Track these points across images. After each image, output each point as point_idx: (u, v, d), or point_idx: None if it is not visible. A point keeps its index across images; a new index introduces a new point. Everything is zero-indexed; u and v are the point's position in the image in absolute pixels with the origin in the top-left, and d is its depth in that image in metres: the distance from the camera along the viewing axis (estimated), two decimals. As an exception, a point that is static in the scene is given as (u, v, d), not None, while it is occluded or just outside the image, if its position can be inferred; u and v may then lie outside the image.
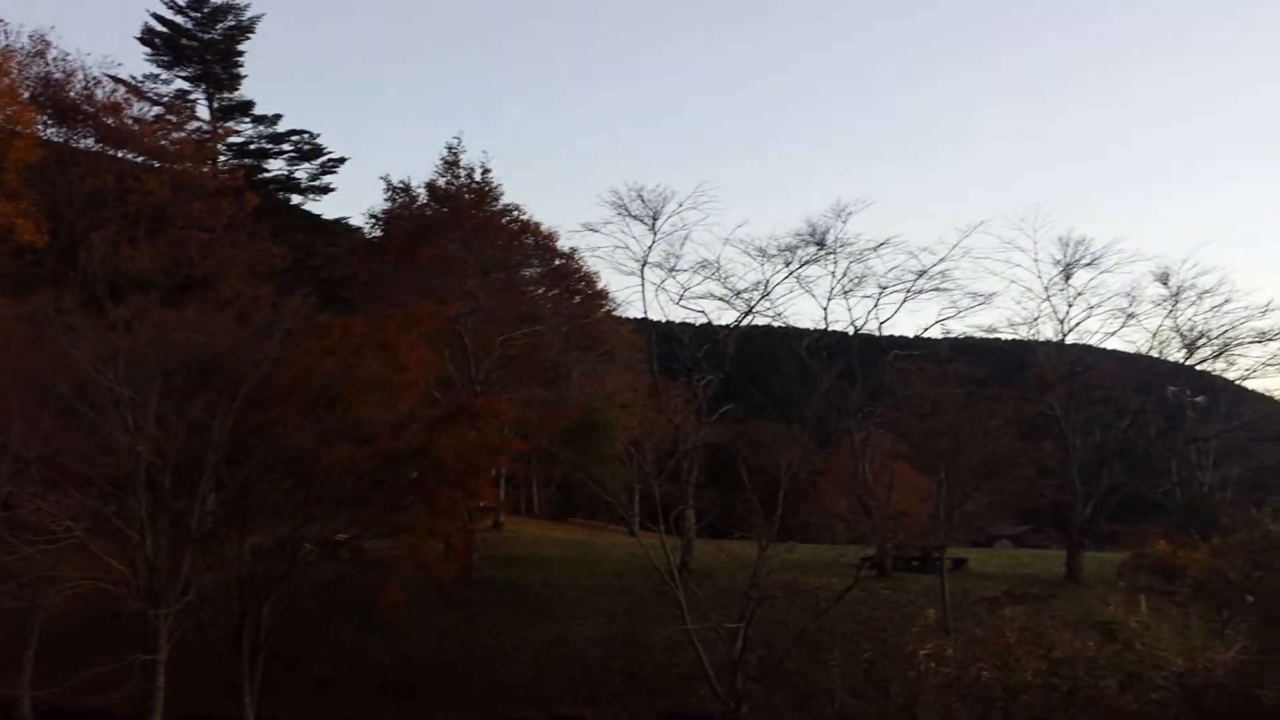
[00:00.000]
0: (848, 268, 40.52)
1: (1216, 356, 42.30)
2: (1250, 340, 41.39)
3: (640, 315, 43.12)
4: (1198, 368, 44.50)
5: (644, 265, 39.73)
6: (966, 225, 39.68)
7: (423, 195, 43.18)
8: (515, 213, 43.97)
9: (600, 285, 50.81)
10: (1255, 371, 42.82)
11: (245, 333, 28.13)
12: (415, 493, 26.53)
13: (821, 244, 39.82)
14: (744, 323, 42.21)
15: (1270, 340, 41.32)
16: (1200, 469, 49.21)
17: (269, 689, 24.59)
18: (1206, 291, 40.49)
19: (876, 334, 42.18)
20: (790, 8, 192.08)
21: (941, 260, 39.67)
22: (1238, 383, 46.91)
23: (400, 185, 43.72)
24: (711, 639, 23.13)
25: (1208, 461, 49.18)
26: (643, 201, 38.97)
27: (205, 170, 45.83)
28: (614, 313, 50.08)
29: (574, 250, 47.40)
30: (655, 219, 39.06)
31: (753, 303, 41.08)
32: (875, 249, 40.11)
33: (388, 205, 44.02)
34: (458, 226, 40.01)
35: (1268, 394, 48.82)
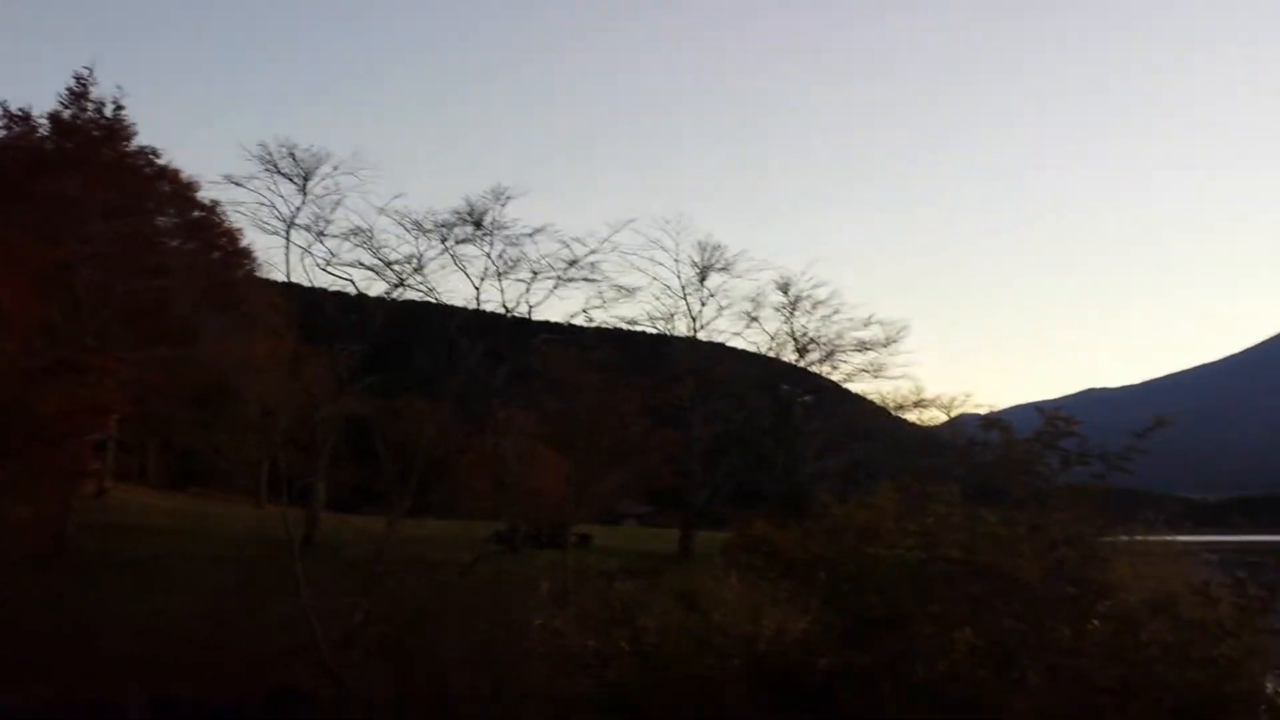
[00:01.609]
0: (503, 250, 40.86)
1: (824, 360, 47.19)
2: (852, 348, 46.58)
3: (285, 279, 41.01)
4: (808, 369, 49.27)
5: (290, 226, 37.83)
6: (617, 221, 41.16)
7: (45, 126, 38.71)
8: (151, 156, 40.40)
9: (243, 244, 47.82)
10: (855, 376, 48.23)
11: None
12: (5, 451, 23.80)
13: (478, 224, 39.80)
14: (394, 295, 41.40)
15: (868, 349, 46.71)
16: (803, 460, 54.36)
17: None
18: (819, 302, 45.04)
19: (527, 317, 42.92)
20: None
21: (592, 252, 40.97)
22: (840, 384, 52.41)
23: (19, 114, 38.92)
24: (331, 615, 22.56)
25: (810, 454, 54.43)
26: (294, 160, 37.06)
27: None
28: (256, 274, 47.37)
29: (216, 204, 44.15)
30: (306, 179, 37.27)
31: (404, 276, 40.39)
32: (531, 235, 40.74)
33: (3, 134, 39.07)
34: (82, 163, 36.18)
35: (864, 396, 54.82)
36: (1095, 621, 6.36)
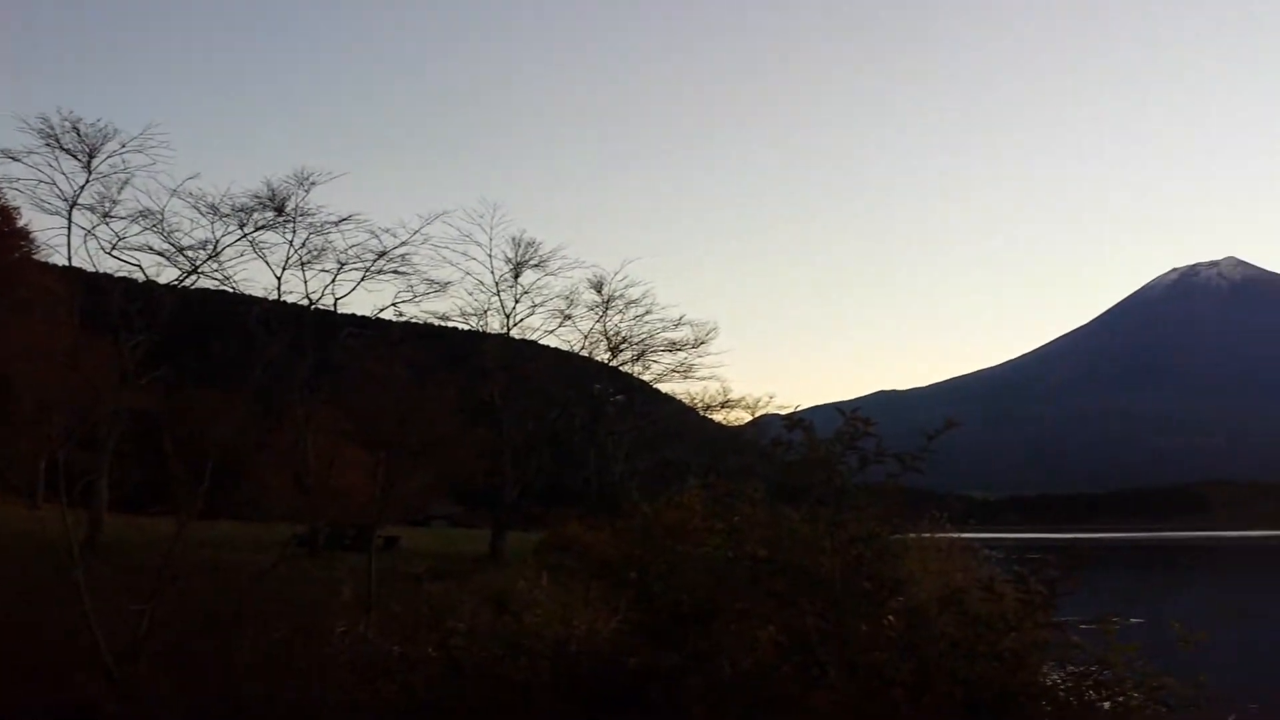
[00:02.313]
0: (307, 239, 39.33)
1: (635, 360, 47.74)
2: (663, 348, 47.32)
3: (66, 263, 38.14)
4: (620, 369, 49.76)
5: (73, 206, 35.19)
6: (429, 213, 40.27)
7: None
8: (-92, 123, 36.87)
9: (21, 224, 44.32)
10: (665, 376, 49.06)
11: None
12: None
13: (280, 210, 38.13)
14: (187, 283, 39.16)
15: (679, 350, 47.56)
16: (615, 460, 54.94)
17: None
18: (632, 302, 45.48)
19: (332, 310, 41.51)
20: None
21: (402, 244, 40.01)
22: (652, 384, 53.21)
23: None
24: (115, 621, 21.11)
25: (621, 454, 55.06)
26: (78, 134, 34.48)
27: None
28: (35, 256, 43.95)
29: (-11, 180, 40.63)
30: (91, 156, 34.75)
31: (198, 263, 38.26)
32: (337, 224, 39.38)
33: None
34: None
35: (675, 396, 55.88)
36: (891, 617, 6.62)
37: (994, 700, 6.17)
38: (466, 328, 45.46)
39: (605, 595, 12.45)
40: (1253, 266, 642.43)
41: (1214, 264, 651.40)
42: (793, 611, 7.04)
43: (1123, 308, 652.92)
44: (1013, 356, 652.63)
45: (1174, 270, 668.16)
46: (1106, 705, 6.25)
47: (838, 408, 7.38)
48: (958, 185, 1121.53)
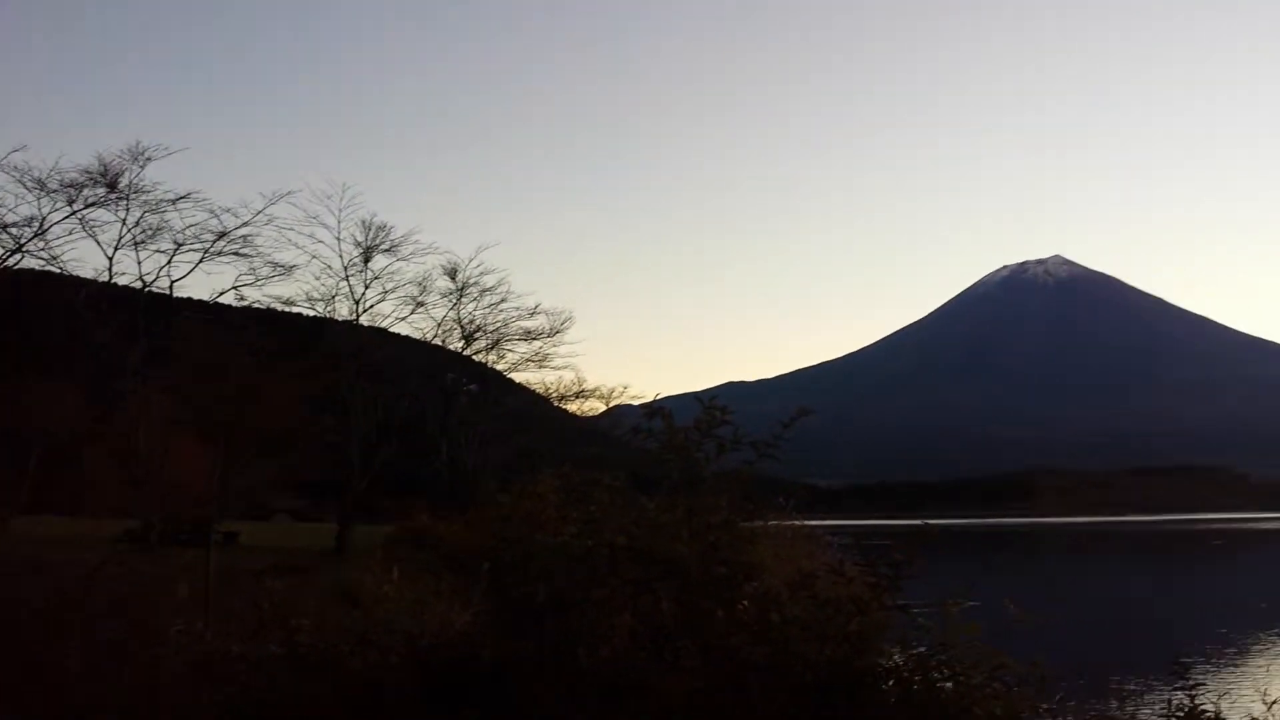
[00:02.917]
0: (141, 217, 37.40)
1: (490, 349, 47.31)
2: (518, 337, 47.01)
3: None
4: (474, 358, 49.20)
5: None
6: (274, 193, 38.81)
7: None
8: None
9: None
10: (520, 365, 48.76)
11: None
12: None
13: (113, 186, 36.19)
14: (10, 262, 36.76)
15: (534, 339, 47.36)
16: (468, 451, 54.31)
17: None
18: (487, 290, 45.01)
19: (168, 293, 39.59)
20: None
21: (244, 225, 38.48)
22: (506, 374, 52.80)
23: None
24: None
25: (475, 444, 54.47)
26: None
27: None
28: None
29: None
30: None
31: (22, 240, 35.98)
32: (174, 202, 37.57)
33: None
34: None
35: (529, 386, 55.59)
36: (744, 602, 6.72)
37: (842, 681, 6.33)
38: (313, 313, 44.15)
39: (458, 588, 12.23)
40: (1077, 265, 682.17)
41: (1042, 262, 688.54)
42: (649, 598, 7.07)
43: (957, 302, 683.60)
44: (854, 349, 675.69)
45: (1005, 267, 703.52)
46: (949, 685, 6.49)
47: (696, 396, 7.44)
48: (801, 182, 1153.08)
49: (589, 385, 52.94)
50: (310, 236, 42.30)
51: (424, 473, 51.68)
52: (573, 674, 6.90)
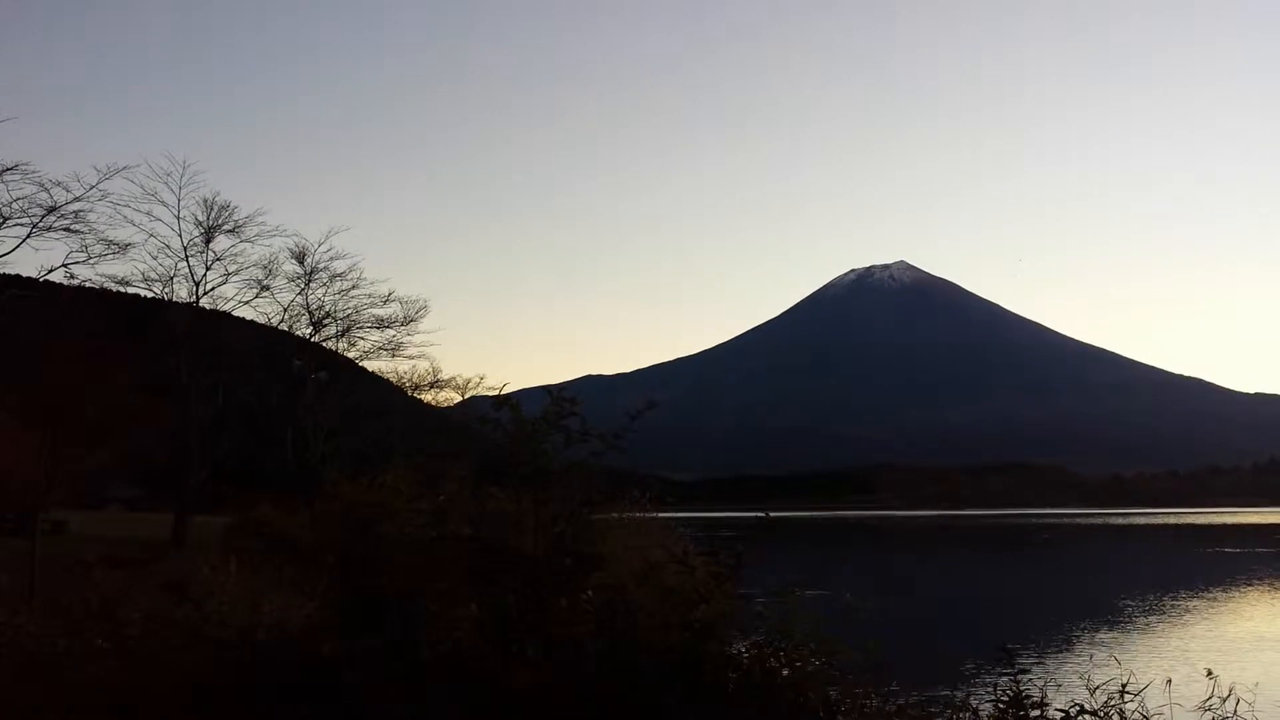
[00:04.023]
0: (-40, 189, 34.94)
1: (340, 336, 46.04)
2: (370, 325, 45.93)
3: None
4: (323, 344, 47.86)
5: None
6: (109, 167, 36.86)
7: None
8: None
9: None
10: (372, 353, 47.64)
11: None
12: None
13: (-72, 155, 33.75)
14: None
15: (387, 327, 46.35)
16: (315, 440, 52.81)
17: None
18: (337, 275, 43.82)
19: (-9, 270, 37.18)
20: None
21: (76, 199, 36.39)
22: (358, 362, 51.53)
23: None
24: None
25: (322, 433, 53.01)
26: None
27: None
28: None
29: None
30: None
31: None
32: (0, 174, 35.27)
33: None
34: None
35: (383, 375, 54.39)
36: (589, 592, 6.79)
37: (684, 670, 6.46)
38: (150, 294, 42.18)
39: (300, 580, 11.97)
40: (920, 270, 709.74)
41: (887, 267, 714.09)
42: (495, 590, 7.07)
43: (808, 303, 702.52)
44: (710, 345, 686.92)
45: (852, 271, 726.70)
46: (786, 672, 6.70)
47: (546, 389, 7.46)
48: (660, 181, 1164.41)
49: (444, 375, 52.18)
50: (148, 214, 40.39)
51: (269, 463, 50.01)
52: (414, 667, 6.84)
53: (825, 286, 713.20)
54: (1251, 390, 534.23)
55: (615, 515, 14.09)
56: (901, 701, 7.79)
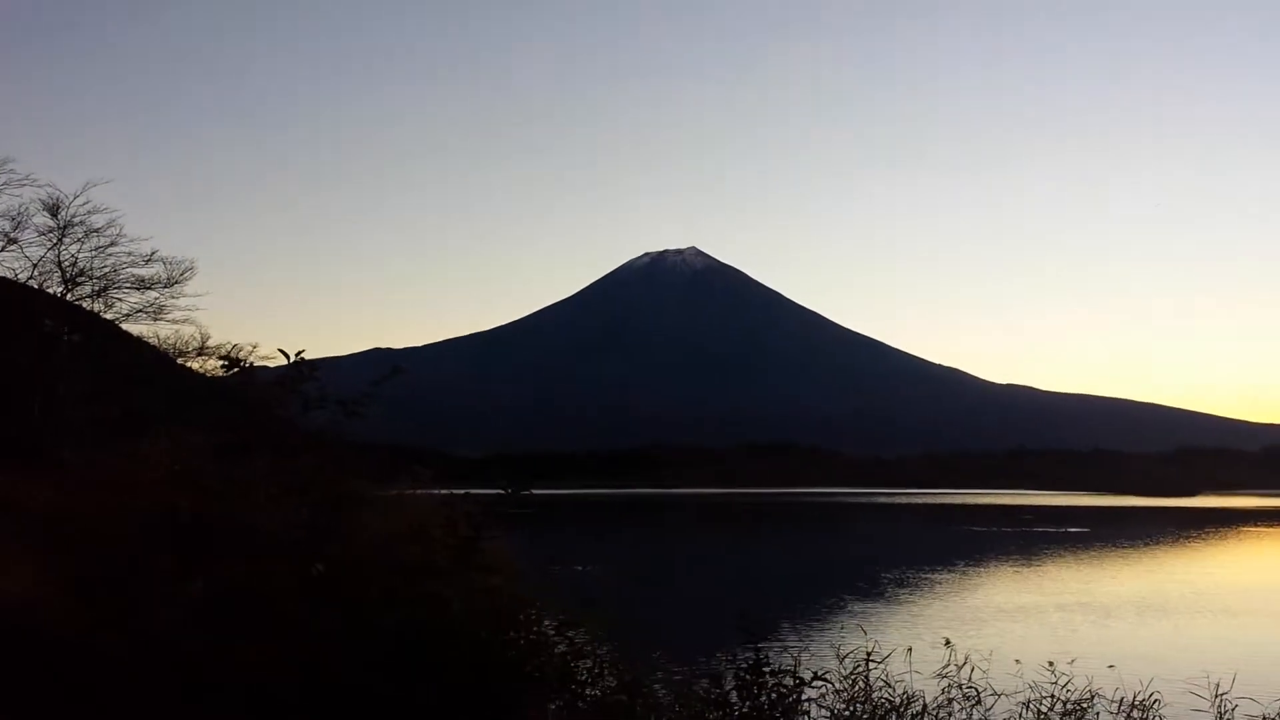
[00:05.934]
0: None
1: (96, 296, 42.80)
2: (130, 285, 42.93)
3: None
4: (78, 304, 44.47)
5: None
6: None
7: None
8: None
9: None
10: (133, 316, 44.57)
11: None
12: None
13: None
14: None
15: (149, 288, 43.42)
16: (67, 406, 49.05)
17: None
18: (95, 231, 40.69)
19: None
20: None
21: None
22: (117, 324, 48.13)
23: None
24: None
25: (76, 399, 49.29)
26: None
27: None
28: None
29: None
30: None
31: None
32: None
33: None
34: None
35: (143, 339, 50.97)
36: (320, 566, 6.62)
37: (420, 642, 6.41)
38: (-125, 244, 37.92)
39: (22, 555, 11.15)
40: (710, 257, 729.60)
41: (680, 252, 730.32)
42: (224, 564, 6.79)
43: (603, 283, 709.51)
44: (503, 322, 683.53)
45: (647, 254, 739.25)
46: (523, 642, 6.77)
47: (288, 357, 7.18)
48: (458, 160, 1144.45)
49: (213, 343, 49.43)
50: None
51: (12, 431, 46.13)
52: (135, 645, 6.49)
53: (621, 267, 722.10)
54: (1004, 381, 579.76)
55: (399, 491, 13.83)
56: (656, 673, 7.98)
